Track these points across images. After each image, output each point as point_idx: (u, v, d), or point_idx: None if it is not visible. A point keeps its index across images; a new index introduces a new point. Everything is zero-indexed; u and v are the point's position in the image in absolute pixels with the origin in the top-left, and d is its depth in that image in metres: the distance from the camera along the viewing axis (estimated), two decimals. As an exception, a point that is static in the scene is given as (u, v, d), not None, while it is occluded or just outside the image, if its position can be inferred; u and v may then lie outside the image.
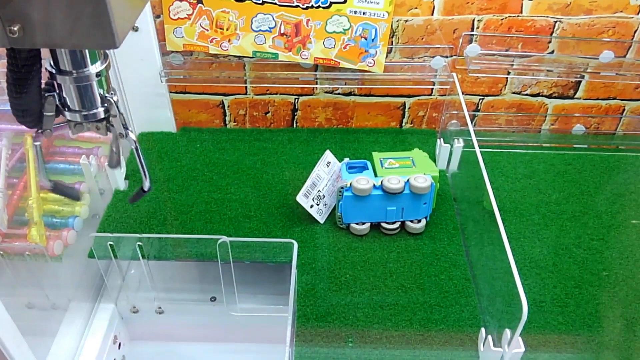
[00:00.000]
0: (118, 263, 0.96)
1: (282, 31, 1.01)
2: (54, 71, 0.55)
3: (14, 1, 0.44)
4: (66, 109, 0.59)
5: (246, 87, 1.14)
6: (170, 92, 1.14)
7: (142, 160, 0.68)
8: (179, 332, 1.03)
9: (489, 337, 0.73)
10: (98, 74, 0.56)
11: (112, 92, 0.60)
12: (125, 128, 0.62)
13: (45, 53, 0.54)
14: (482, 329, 0.77)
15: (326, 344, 0.79)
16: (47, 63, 0.55)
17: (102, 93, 0.58)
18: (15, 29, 0.45)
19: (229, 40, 1.03)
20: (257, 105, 1.17)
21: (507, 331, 0.70)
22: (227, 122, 1.21)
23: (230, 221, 0.97)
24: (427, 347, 0.79)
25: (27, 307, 0.90)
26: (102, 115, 0.60)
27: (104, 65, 0.57)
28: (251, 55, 1.05)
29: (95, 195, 1.01)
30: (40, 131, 0.60)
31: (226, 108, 1.18)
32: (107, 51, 0.59)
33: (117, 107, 0.60)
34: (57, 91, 0.58)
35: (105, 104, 0.59)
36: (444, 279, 0.88)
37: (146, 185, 0.70)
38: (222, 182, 1.05)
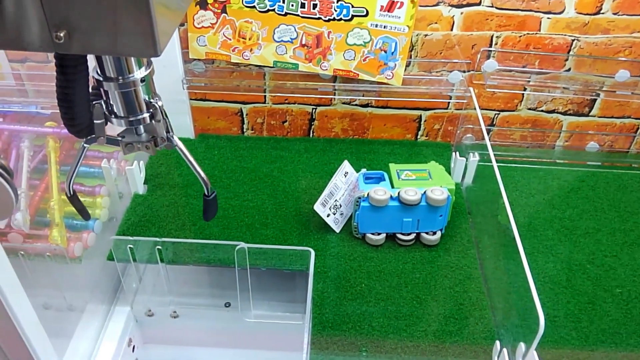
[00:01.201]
0: (136, 266, 0.97)
1: (303, 42, 1.03)
2: (100, 78, 0.56)
3: (60, 7, 0.46)
4: (112, 116, 0.60)
5: (265, 96, 1.16)
6: (191, 99, 1.16)
7: (195, 164, 0.68)
8: (192, 337, 1.04)
9: (504, 350, 0.74)
10: (142, 80, 0.57)
11: (157, 97, 0.61)
12: (168, 132, 0.63)
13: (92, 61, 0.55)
14: (497, 342, 0.78)
15: (341, 352, 0.80)
16: (93, 71, 0.57)
17: (147, 99, 0.59)
18: (61, 34, 0.47)
19: (251, 50, 1.04)
20: (275, 114, 1.19)
21: (522, 345, 0.70)
22: (244, 130, 1.22)
23: (247, 228, 0.98)
24: (441, 358, 0.80)
25: (44, 308, 0.91)
26: (148, 121, 0.61)
27: (148, 71, 0.58)
28: (272, 65, 1.06)
29: (114, 199, 1.03)
30: (92, 137, 0.62)
31: (244, 116, 1.19)
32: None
33: (162, 112, 0.61)
34: (105, 98, 0.59)
35: (151, 110, 0.60)
36: (458, 291, 0.88)
37: (208, 190, 0.71)
38: (240, 189, 1.06)
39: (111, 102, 0.59)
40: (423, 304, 0.86)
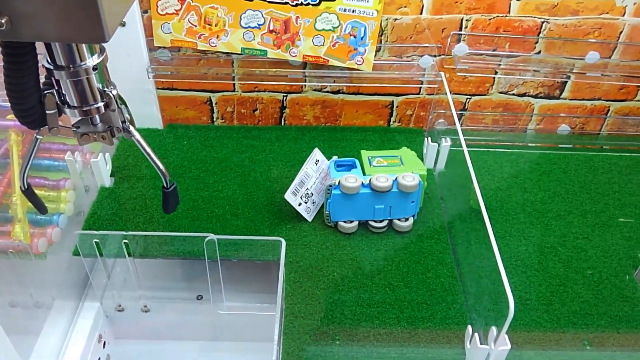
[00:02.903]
0: (103, 261, 0.95)
1: (271, 28, 1.01)
2: (50, 66, 0.54)
3: (-2, -8, 0.43)
4: (65, 106, 0.58)
5: (234, 84, 1.13)
6: (157, 88, 1.13)
7: (152, 154, 0.66)
8: (165, 331, 1.02)
9: (476, 334, 0.74)
10: (95, 68, 0.55)
11: (112, 86, 0.59)
12: (124, 122, 0.61)
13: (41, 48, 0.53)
14: (469, 327, 0.77)
15: (314, 342, 0.79)
16: (43, 59, 0.54)
17: (100, 87, 0.57)
18: (3, 21, 0.44)
19: (218, 37, 1.02)
20: (245, 103, 1.17)
21: (494, 329, 0.70)
22: (214, 119, 1.20)
23: (217, 219, 0.96)
24: (414, 344, 0.79)
25: (10, 306, 0.89)
26: (103, 110, 0.59)
27: (101, 58, 0.56)
28: (240, 52, 1.04)
29: (80, 192, 1.00)
30: (45, 128, 0.59)
31: (214, 105, 1.17)
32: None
33: (117, 101, 0.59)
34: (56, 88, 0.57)
35: (105, 99, 0.58)
36: (431, 276, 0.88)
37: (167, 182, 0.69)
38: (210, 180, 1.04)
39: (63, 92, 0.57)
40: (395, 290, 0.86)
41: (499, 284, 0.67)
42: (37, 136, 0.61)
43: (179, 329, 1.02)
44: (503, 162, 1.12)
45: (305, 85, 1.13)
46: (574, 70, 1.10)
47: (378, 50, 1.06)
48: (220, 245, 0.87)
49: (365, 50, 1.02)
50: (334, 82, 1.12)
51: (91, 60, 0.55)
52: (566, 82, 1.12)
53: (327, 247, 0.92)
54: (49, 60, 0.54)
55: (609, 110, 1.16)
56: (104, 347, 0.98)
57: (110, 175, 1.03)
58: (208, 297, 0.96)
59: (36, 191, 0.99)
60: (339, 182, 0.90)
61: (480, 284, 0.83)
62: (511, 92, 1.14)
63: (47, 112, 0.58)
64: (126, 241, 0.87)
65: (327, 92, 1.14)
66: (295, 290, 0.85)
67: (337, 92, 1.14)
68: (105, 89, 0.58)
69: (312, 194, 0.96)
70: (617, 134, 1.20)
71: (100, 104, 0.58)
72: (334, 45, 1.02)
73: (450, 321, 0.82)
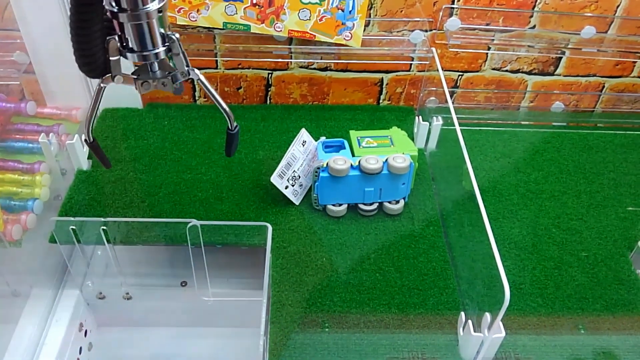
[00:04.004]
0: (82, 248, 0.91)
1: (254, 1, 0.95)
2: (114, 9, 0.54)
3: None
4: (127, 51, 0.58)
5: (216, 60, 1.08)
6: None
7: (218, 98, 0.66)
8: (149, 318, 0.99)
9: (469, 321, 0.72)
10: (159, 10, 0.55)
11: (172, 32, 0.59)
12: (187, 66, 0.61)
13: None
14: (462, 313, 0.75)
15: (302, 330, 0.77)
16: (107, 3, 0.54)
17: (163, 32, 0.57)
18: None
19: (198, 11, 0.97)
20: (229, 81, 1.12)
21: (487, 315, 0.68)
22: (196, 98, 1.15)
23: (200, 203, 0.92)
24: (405, 331, 0.77)
25: (-15, 295, 0.86)
26: (162, 56, 0.59)
27: (163, 2, 0.55)
28: (221, 27, 0.99)
29: (56, 176, 0.96)
30: (108, 76, 0.60)
31: (195, 83, 1.12)
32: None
33: (180, 45, 0.59)
34: (119, 32, 0.56)
35: (167, 43, 0.58)
36: (422, 261, 0.85)
37: (231, 124, 0.70)
38: (192, 162, 1.00)
39: (126, 36, 0.56)
40: (386, 275, 0.83)
41: (493, 268, 0.65)
42: (102, 84, 0.61)
43: (163, 316, 0.99)
44: (496, 141, 1.09)
45: (291, 61, 1.08)
46: (569, 46, 1.06)
47: (367, 24, 1.02)
48: (204, 231, 0.83)
49: (353, 24, 0.98)
50: (321, 59, 1.08)
51: (154, 4, 0.55)
52: (561, 58, 1.08)
53: (315, 231, 0.89)
54: (113, 3, 0.54)
55: (604, 86, 1.13)
56: (85, 335, 0.95)
57: (88, 158, 0.99)
58: (192, 283, 0.93)
59: (9, 175, 0.95)
60: (327, 164, 0.87)
61: (474, 269, 0.81)
62: (504, 69, 1.10)
63: (110, 58, 0.58)
64: (105, 228, 0.83)
65: (314, 69, 1.10)
66: (282, 276, 0.82)
67: (325, 69, 1.10)
68: (168, 33, 0.58)
69: (299, 177, 0.92)
70: (611, 111, 1.17)
71: (161, 49, 0.58)
72: (320, 20, 0.98)
73: (442, 307, 0.79)
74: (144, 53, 0.57)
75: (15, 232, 0.86)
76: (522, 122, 1.15)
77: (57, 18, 0.95)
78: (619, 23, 1.03)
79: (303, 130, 0.93)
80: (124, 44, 0.57)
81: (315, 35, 1.00)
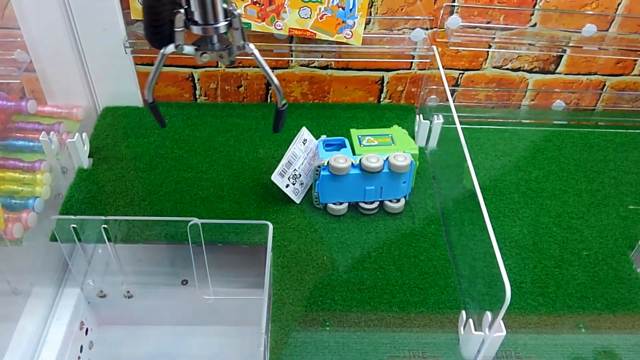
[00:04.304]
0: (83, 246, 0.91)
1: None
2: None
3: None
4: (192, 23, 0.63)
5: (217, 59, 1.08)
6: (136, 64, 1.07)
7: (271, 74, 0.70)
8: (150, 317, 0.99)
9: (470, 320, 0.72)
10: None
11: (233, 7, 0.63)
12: (244, 40, 0.66)
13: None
14: (463, 312, 0.75)
15: (303, 328, 0.77)
16: None
17: (225, 6, 0.62)
18: None
19: (198, 9, 0.97)
20: (229, 79, 1.12)
21: (488, 314, 0.68)
22: (197, 97, 1.15)
23: (201, 201, 0.92)
24: (406, 330, 0.77)
25: (-14, 293, 0.86)
26: (224, 30, 0.64)
27: None
28: (222, 26, 0.99)
29: (57, 174, 0.96)
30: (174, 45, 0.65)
31: (196, 81, 1.12)
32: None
33: (240, 20, 0.64)
34: (185, 6, 0.62)
35: (229, 17, 0.63)
36: (423, 259, 0.85)
37: (281, 101, 0.73)
38: (193, 161, 1.00)
39: (192, 9, 0.61)
40: (387, 274, 0.83)
41: (494, 267, 0.65)
42: (164, 52, 0.66)
43: (164, 315, 0.99)
44: (496, 139, 1.09)
45: (291, 60, 1.08)
46: (570, 44, 1.06)
47: (368, 23, 1.02)
48: (204, 229, 0.83)
49: (354, 23, 0.98)
50: (321, 57, 1.07)
51: None
52: (562, 56, 1.08)
53: (316, 230, 0.89)
54: None
55: (604, 85, 1.13)
56: (86, 334, 0.95)
57: (89, 156, 0.99)
58: (193, 282, 0.93)
59: (9, 174, 0.95)
60: (327, 163, 0.87)
61: (474, 267, 0.81)
62: (505, 67, 1.10)
63: (175, 30, 0.63)
64: (105, 226, 0.83)
65: (315, 67, 1.10)
66: (283, 275, 0.82)
67: (325, 67, 1.10)
68: (230, 8, 0.63)
69: (300, 175, 0.92)
70: (612, 110, 1.17)
71: (222, 24, 0.63)
72: (321, 18, 0.97)
73: (443, 306, 0.79)
74: (208, 26, 0.62)
75: (16, 231, 0.86)
76: (523, 121, 1.15)
77: (57, 16, 0.95)
78: (620, 21, 1.02)
79: (304, 128, 0.93)
80: (189, 17, 0.62)
81: (315, 34, 0.99)
